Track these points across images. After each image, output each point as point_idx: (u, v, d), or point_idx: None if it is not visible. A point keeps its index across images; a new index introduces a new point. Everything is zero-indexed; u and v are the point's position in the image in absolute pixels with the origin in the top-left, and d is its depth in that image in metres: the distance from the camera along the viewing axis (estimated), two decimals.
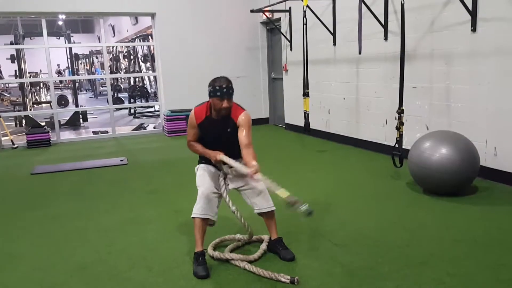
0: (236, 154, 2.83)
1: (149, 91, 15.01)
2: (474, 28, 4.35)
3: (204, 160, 2.96)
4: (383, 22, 5.49)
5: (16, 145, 7.82)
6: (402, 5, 4.36)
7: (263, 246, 2.95)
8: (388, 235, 3.20)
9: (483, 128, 4.37)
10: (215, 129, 2.84)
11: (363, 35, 4.73)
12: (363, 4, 4.98)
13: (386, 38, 5.55)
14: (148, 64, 14.81)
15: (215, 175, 2.89)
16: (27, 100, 11.38)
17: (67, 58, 15.17)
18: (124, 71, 17.28)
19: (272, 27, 8.72)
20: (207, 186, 2.78)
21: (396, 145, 4.60)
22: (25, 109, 11.30)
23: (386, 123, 5.73)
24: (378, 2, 5.52)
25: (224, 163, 2.81)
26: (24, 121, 10.29)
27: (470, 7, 4.31)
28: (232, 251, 2.97)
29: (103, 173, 5.61)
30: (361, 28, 4.63)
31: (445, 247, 2.94)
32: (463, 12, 4.37)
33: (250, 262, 2.78)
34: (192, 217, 2.79)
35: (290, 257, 2.83)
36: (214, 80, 2.78)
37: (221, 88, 2.71)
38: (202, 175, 2.88)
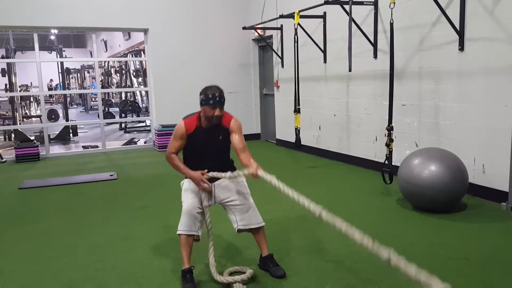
0: (224, 164, 2.83)
1: (141, 106, 15.00)
2: (462, 47, 4.44)
3: None
4: (372, 41, 5.58)
5: (4, 159, 7.73)
6: (391, 25, 4.44)
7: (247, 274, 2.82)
8: None
9: (472, 145, 4.43)
10: (205, 139, 2.80)
11: (353, 53, 4.80)
12: (353, 23, 5.07)
13: (375, 56, 5.64)
14: (140, 79, 14.83)
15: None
16: (17, 114, 11.30)
17: (59, 72, 15.15)
18: (115, 85, 17.27)
19: (264, 44, 8.82)
20: (190, 202, 2.75)
21: (386, 162, 4.64)
22: (14, 123, 11.21)
23: (376, 139, 5.79)
24: (368, 21, 5.63)
25: (213, 179, 2.79)
26: (13, 135, 10.19)
27: (458, 27, 4.40)
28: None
29: (92, 188, 5.56)
30: (351, 46, 4.71)
31: (436, 264, 2.95)
32: (451, 32, 4.46)
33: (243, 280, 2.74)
34: (178, 234, 2.77)
35: (281, 274, 2.81)
36: (206, 88, 2.77)
37: (213, 97, 2.70)
38: (186, 190, 2.83)
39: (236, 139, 2.81)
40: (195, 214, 2.74)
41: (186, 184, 2.87)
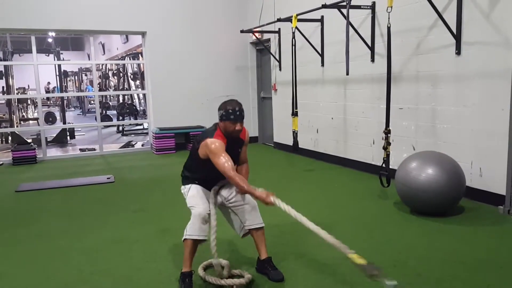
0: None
1: (138, 108, 14.98)
2: (458, 51, 4.45)
3: (197, 180, 2.89)
4: (370, 45, 5.60)
5: (1, 162, 7.70)
6: (389, 28, 4.45)
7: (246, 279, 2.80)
8: (376, 255, 3.20)
9: (469, 149, 4.44)
10: (231, 151, 2.80)
11: (350, 57, 4.81)
12: (350, 27, 5.08)
13: (373, 60, 5.65)
14: (138, 82, 14.83)
15: (208, 194, 2.85)
16: (14, 116, 11.27)
17: (56, 75, 15.14)
18: (113, 88, 17.26)
19: (261, 48, 8.83)
20: (204, 207, 2.73)
21: (383, 165, 4.64)
22: (11, 126, 11.18)
23: (374, 143, 5.79)
24: (365, 25, 5.64)
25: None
26: (10, 138, 10.16)
27: (454, 31, 4.42)
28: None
29: (89, 191, 5.55)
30: (348, 50, 4.72)
31: (432, 267, 2.95)
32: (447, 36, 4.48)
33: (241, 284, 2.73)
34: (186, 238, 2.73)
35: (279, 278, 2.80)
36: (226, 103, 2.80)
37: (234, 111, 2.73)
38: (196, 195, 2.81)
39: (244, 151, 2.97)
40: (206, 218, 2.73)
41: (194, 190, 2.85)
